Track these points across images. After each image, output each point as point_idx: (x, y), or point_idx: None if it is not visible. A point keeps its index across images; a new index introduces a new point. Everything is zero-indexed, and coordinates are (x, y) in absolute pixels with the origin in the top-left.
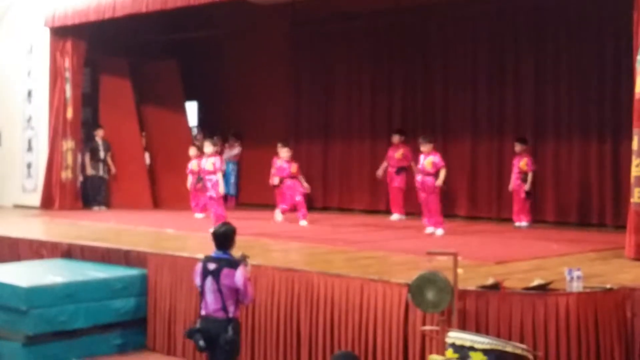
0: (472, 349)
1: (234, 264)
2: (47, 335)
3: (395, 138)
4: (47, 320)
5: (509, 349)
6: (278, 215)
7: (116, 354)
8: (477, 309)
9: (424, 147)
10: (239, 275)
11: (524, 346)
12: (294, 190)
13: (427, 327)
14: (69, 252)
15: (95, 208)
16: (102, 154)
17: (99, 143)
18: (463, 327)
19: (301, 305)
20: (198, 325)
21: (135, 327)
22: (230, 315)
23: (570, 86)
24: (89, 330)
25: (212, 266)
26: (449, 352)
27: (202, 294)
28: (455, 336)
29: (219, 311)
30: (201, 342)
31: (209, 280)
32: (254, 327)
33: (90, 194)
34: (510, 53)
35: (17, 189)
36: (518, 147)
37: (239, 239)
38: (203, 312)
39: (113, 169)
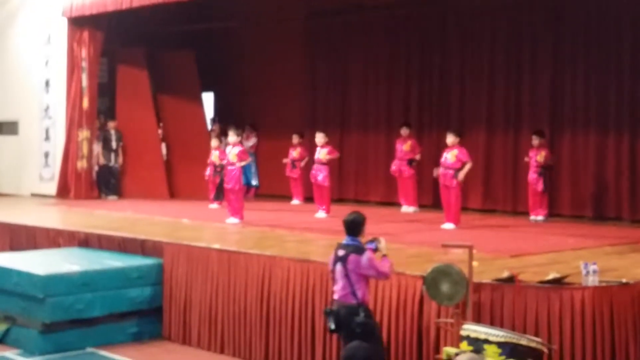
0: (486, 341)
1: (360, 250)
2: (64, 323)
3: (404, 131)
4: (63, 308)
5: (523, 342)
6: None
7: (132, 343)
8: (492, 302)
9: (450, 140)
10: (365, 261)
11: (538, 339)
12: (314, 177)
13: (442, 320)
14: (86, 241)
15: (107, 197)
16: (114, 144)
17: (111, 132)
18: (478, 319)
19: (316, 296)
20: (333, 307)
21: (150, 316)
22: (360, 300)
23: (588, 79)
24: (105, 318)
25: (341, 252)
26: (464, 345)
27: (333, 279)
28: (470, 329)
29: (348, 296)
30: (332, 325)
31: (339, 266)
32: (269, 318)
33: (102, 183)
34: (527, 45)
35: (34, 178)
36: (536, 141)
37: (254, 230)
38: (335, 296)
39: (121, 159)
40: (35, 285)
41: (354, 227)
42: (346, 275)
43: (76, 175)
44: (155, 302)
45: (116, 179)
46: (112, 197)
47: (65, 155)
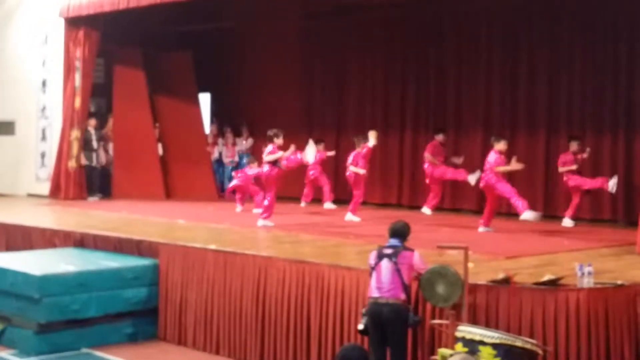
0: (481, 343)
1: (409, 249)
2: (59, 324)
3: (441, 137)
4: (59, 309)
5: (518, 343)
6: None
7: (127, 343)
8: (488, 303)
9: (505, 147)
10: (417, 256)
11: (533, 341)
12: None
13: (437, 321)
14: (82, 242)
15: (90, 199)
16: (94, 144)
17: (92, 133)
18: (473, 321)
19: (311, 297)
20: (366, 308)
21: (146, 316)
22: (409, 295)
23: (584, 80)
24: (101, 319)
25: (389, 250)
26: (459, 346)
27: (374, 275)
28: (465, 330)
29: (397, 290)
30: (360, 325)
31: (385, 262)
32: (264, 318)
33: (86, 184)
34: (524, 47)
35: (31, 178)
36: (579, 146)
37: (246, 231)
38: (375, 294)
39: (103, 158)
40: (31, 286)
41: (402, 232)
42: (397, 270)
43: (67, 175)
44: (150, 302)
45: (99, 179)
46: (95, 198)
47: (59, 155)
